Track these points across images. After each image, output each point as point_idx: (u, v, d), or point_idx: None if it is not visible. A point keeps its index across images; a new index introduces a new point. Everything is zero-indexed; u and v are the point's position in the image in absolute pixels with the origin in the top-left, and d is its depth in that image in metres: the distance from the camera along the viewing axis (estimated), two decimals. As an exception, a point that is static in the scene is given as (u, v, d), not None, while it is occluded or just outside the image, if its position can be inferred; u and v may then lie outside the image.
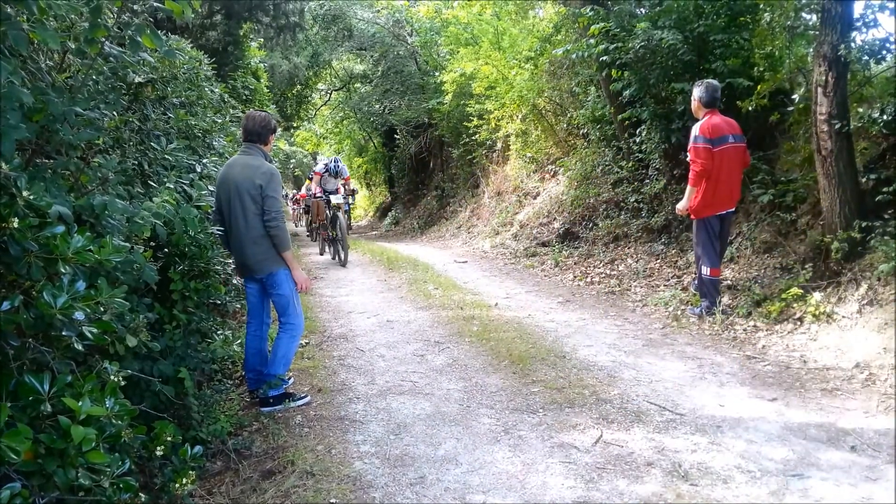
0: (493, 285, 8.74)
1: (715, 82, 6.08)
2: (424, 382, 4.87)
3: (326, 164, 12.26)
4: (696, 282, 6.48)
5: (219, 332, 4.71)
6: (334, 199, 11.48)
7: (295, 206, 26.27)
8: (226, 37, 12.35)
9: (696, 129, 5.90)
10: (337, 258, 11.73)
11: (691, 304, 6.40)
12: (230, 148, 6.67)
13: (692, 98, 6.10)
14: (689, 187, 6.05)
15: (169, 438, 2.75)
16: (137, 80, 4.20)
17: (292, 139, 32.06)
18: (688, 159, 6.06)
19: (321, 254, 13.26)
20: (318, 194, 12.31)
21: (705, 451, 3.54)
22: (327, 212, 11.99)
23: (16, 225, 2.06)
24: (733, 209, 6.21)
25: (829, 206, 5.65)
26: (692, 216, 6.19)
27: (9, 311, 2.01)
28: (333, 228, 11.57)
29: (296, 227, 23.69)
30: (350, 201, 13.20)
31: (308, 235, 17.42)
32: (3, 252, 2.11)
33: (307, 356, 5.64)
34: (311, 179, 14.63)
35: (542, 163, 13.62)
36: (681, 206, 6.25)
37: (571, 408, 4.24)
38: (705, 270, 6.04)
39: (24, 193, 2.11)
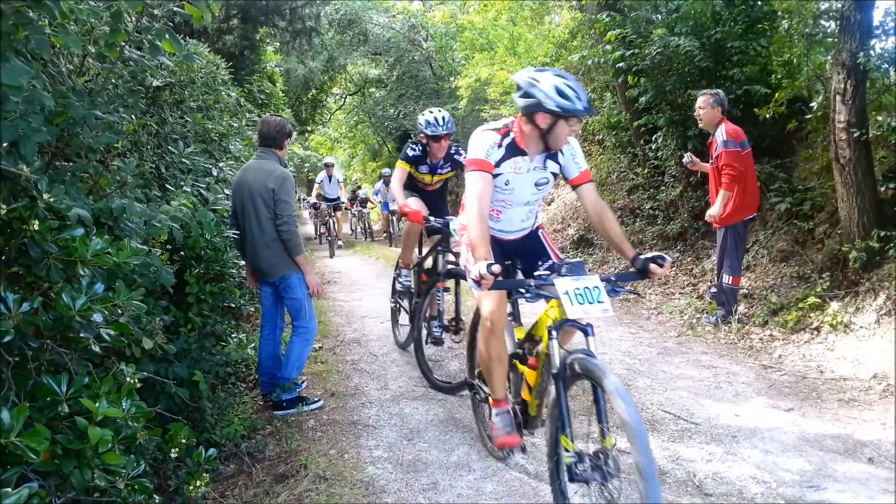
0: (506, 291, 8.69)
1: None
2: (437, 388, 4.86)
3: (413, 147, 5.44)
4: (711, 290, 6.42)
5: (233, 336, 4.74)
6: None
7: (314, 213, 18.09)
8: (242, 41, 12.44)
9: (722, 135, 5.77)
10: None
11: (707, 313, 6.36)
12: (246, 152, 6.72)
13: (707, 106, 5.94)
14: (722, 192, 5.82)
15: (183, 441, 2.77)
16: (156, 83, 4.23)
17: (307, 143, 32.23)
18: (712, 166, 5.97)
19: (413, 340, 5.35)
20: (423, 212, 5.04)
21: (720, 461, 3.51)
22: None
23: (36, 227, 2.07)
24: (754, 215, 6.17)
25: (847, 214, 5.60)
26: (717, 224, 6.03)
27: (28, 312, 2.02)
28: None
29: (319, 242, 17.30)
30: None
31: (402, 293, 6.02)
32: (23, 254, 2.13)
33: (320, 360, 5.64)
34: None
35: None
36: (714, 211, 5.96)
37: (585, 415, 4.21)
38: (727, 279, 5.95)
39: (45, 196, 2.13)
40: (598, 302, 2.71)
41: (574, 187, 3.40)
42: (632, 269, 3.05)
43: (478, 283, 2.72)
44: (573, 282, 2.75)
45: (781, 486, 3.22)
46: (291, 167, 6.47)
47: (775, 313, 5.87)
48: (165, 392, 3.29)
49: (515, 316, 3.54)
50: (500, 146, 3.24)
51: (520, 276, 3.53)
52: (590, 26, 9.48)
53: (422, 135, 5.29)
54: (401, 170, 5.41)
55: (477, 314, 3.66)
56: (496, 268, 2.72)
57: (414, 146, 5.41)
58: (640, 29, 8.13)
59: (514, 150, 3.26)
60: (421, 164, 5.47)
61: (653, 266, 2.94)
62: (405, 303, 5.80)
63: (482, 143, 3.24)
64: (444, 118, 5.19)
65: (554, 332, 2.83)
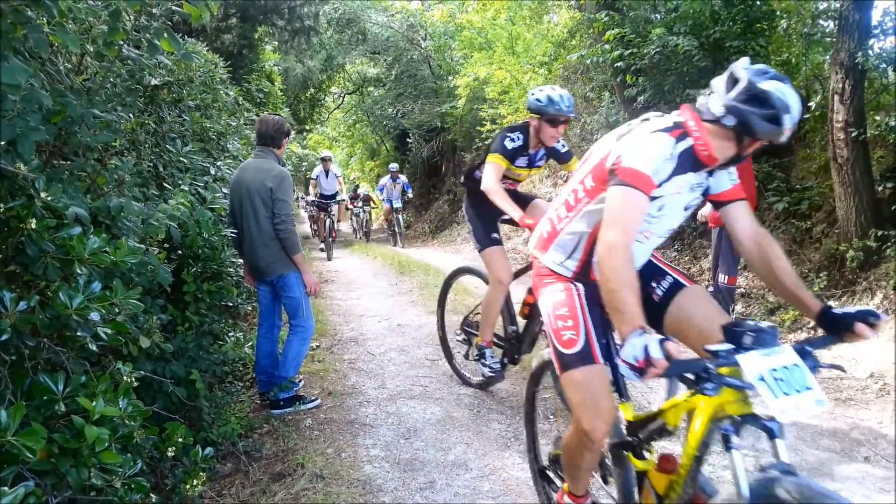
0: (504, 290, 8.69)
1: None
2: (435, 387, 4.87)
3: (511, 137, 4.30)
4: (709, 289, 6.42)
5: (230, 334, 4.73)
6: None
7: (314, 210, 16.05)
8: (241, 40, 12.41)
9: None
10: None
11: (704, 312, 6.34)
12: (244, 150, 6.71)
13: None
14: None
15: (180, 440, 2.76)
16: (154, 82, 4.23)
17: (305, 142, 32.22)
18: None
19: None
20: None
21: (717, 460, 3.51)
22: None
23: (33, 226, 2.07)
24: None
25: (844, 214, 5.61)
26: (711, 224, 6.05)
27: (25, 310, 2.02)
28: None
29: (321, 242, 14.93)
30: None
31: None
32: (20, 252, 2.13)
33: (318, 359, 5.64)
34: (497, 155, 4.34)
35: (555, 168, 13.60)
36: (705, 210, 6.04)
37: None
38: (722, 278, 5.95)
39: (42, 195, 2.13)
40: (807, 389, 1.70)
41: (719, 205, 2.37)
42: (822, 331, 2.07)
43: (641, 371, 1.70)
44: (764, 358, 1.75)
45: (778, 486, 3.23)
46: (289, 166, 6.46)
47: (772, 312, 5.88)
48: (162, 391, 3.29)
49: (620, 388, 2.46)
50: (671, 156, 2.14)
51: None
52: (588, 25, 9.49)
53: (532, 116, 4.16)
54: (496, 167, 4.21)
55: (536, 376, 2.84)
56: (672, 347, 1.70)
57: (512, 135, 4.27)
58: (639, 28, 8.14)
59: (688, 163, 2.18)
60: (520, 156, 4.36)
61: (860, 326, 1.93)
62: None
63: (655, 151, 2.12)
64: (568, 97, 4.08)
65: (735, 439, 1.76)
